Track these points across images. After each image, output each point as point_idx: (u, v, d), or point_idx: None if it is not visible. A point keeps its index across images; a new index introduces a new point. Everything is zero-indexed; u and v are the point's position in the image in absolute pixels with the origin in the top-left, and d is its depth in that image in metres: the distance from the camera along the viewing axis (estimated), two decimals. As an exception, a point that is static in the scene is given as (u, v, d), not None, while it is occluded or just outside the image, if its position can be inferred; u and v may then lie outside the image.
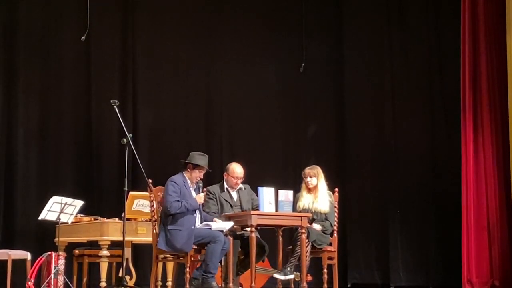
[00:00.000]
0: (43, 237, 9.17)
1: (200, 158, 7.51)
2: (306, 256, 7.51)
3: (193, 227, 7.31)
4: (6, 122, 9.79)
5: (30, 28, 9.99)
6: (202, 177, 7.54)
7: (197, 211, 7.45)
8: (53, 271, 7.91)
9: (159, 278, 8.67)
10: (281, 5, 11.10)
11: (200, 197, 7.46)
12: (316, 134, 11.06)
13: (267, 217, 7.38)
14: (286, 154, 11.02)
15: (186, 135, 10.49)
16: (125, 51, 10.39)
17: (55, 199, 8.04)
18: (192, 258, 7.43)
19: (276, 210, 7.43)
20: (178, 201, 7.27)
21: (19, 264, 8.13)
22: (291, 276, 7.59)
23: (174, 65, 10.61)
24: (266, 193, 7.41)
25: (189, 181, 7.50)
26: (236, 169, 7.84)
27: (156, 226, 7.47)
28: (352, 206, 10.70)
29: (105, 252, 8.24)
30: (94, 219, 8.56)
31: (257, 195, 7.60)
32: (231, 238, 7.40)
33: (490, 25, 9.62)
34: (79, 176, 9.97)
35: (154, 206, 7.51)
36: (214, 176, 8.52)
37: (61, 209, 8.00)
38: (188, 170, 7.50)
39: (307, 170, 8.01)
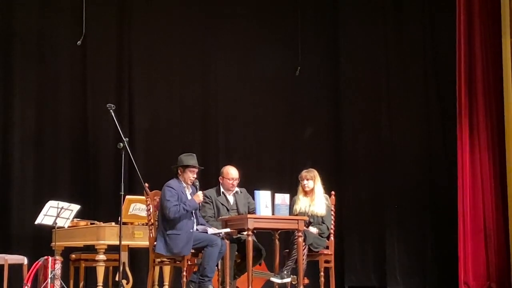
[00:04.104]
0: (40, 241, 9.14)
1: (188, 158, 7.52)
2: (303, 259, 7.51)
3: (191, 230, 7.32)
4: (2, 126, 9.79)
5: (26, 33, 9.98)
6: (196, 177, 7.54)
7: (194, 215, 7.46)
8: (49, 276, 7.89)
9: (156, 282, 8.68)
10: (277, 8, 11.10)
11: (198, 196, 7.46)
12: (312, 137, 11.06)
13: (264, 221, 7.37)
14: (283, 157, 11.02)
15: (182, 139, 10.49)
16: (121, 55, 10.39)
17: (51, 203, 8.03)
18: (189, 262, 7.43)
19: (273, 214, 7.43)
20: (176, 205, 7.28)
21: (15, 269, 8.12)
22: (288, 280, 7.58)
23: (169, 69, 10.61)
24: (263, 197, 7.41)
25: (184, 185, 7.50)
26: (230, 170, 7.85)
27: (152, 230, 7.47)
28: (349, 209, 10.70)
29: (102, 256, 8.22)
30: (91, 223, 8.55)
31: (253, 198, 7.61)
32: (228, 242, 7.40)
33: (485, 28, 9.64)
34: (75, 180, 9.96)
35: (151, 210, 7.51)
36: (211, 180, 8.53)
37: (57, 213, 7.98)
38: (180, 173, 7.51)
39: (304, 173, 8.01)
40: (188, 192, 7.51)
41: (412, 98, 10.94)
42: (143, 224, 8.31)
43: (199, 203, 7.52)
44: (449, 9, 10.02)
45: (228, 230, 7.39)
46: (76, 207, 8.15)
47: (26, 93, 9.94)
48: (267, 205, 7.39)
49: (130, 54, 10.42)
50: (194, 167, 7.51)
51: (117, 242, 7.73)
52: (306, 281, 8.14)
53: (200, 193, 7.52)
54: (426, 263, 10.53)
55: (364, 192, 10.89)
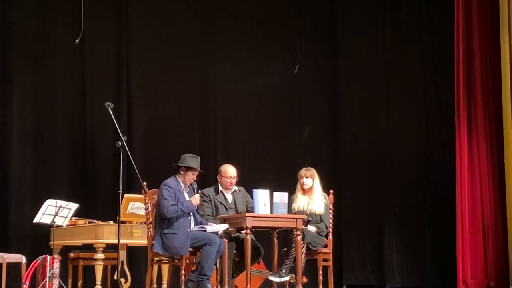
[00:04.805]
0: (38, 240, 9.16)
1: (192, 160, 7.52)
2: (301, 258, 7.52)
3: (188, 230, 7.32)
4: (0, 125, 9.78)
5: (24, 31, 9.98)
6: (195, 179, 7.55)
7: (192, 214, 7.46)
8: (48, 274, 7.88)
9: (154, 281, 8.68)
10: (276, 7, 11.10)
11: (195, 198, 7.47)
12: (311, 136, 11.06)
13: (262, 219, 7.38)
14: (281, 156, 11.01)
15: (180, 137, 10.49)
16: (120, 53, 10.39)
17: (49, 202, 8.01)
18: (187, 261, 7.43)
19: (271, 212, 7.44)
20: (174, 205, 7.28)
21: (13, 268, 8.11)
22: (286, 278, 7.59)
23: (168, 68, 10.60)
24: (261, 195, 7.41)
25: (182, 184, 7.51)
26: (228, 169, 7.85)
27: (151, 229, 7.47)
28: (347, 208, 10.70)
29: (100, 255, 8.24)
30: (89, 222, 8.55)
31: (252, 197, 7.61)
32: (226, 240, 7.40)
33: (484, 27, 9.64)
34: (73, 179, 9.96)
35: (149, 208, 7.51)
36: (209, 179, 8.53)
37: (56, 212, 7.97)
38: (181, 173, 7.51)
39: (303, 171, 8.02)
40: (185, 191, 7.51)
41: (410, 98, 10.94)
42: (141, 223, 8.32)
43: (196, 206, 7.52)
44: (448, 9, 10.02)
45: (226, 226, 7.39)
46: (74, 206, 8.15)
47: (24, 92, 9.94)
48: (266, 203, 7.39)
49: (129, 52, 10.41)
50: (197, 170, 7.52)
51: (116, 241, 7.72)
52: (305, 279, 8.15)
53: (197, 196, 7.53)
54: (425, 261, 10.53)
55: (363, 191, 10.88)
